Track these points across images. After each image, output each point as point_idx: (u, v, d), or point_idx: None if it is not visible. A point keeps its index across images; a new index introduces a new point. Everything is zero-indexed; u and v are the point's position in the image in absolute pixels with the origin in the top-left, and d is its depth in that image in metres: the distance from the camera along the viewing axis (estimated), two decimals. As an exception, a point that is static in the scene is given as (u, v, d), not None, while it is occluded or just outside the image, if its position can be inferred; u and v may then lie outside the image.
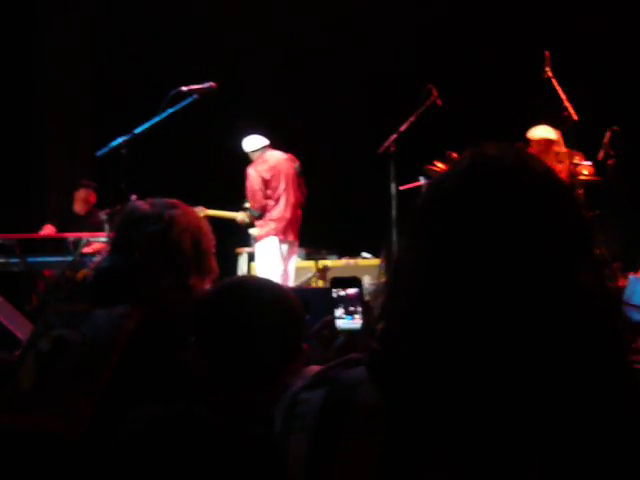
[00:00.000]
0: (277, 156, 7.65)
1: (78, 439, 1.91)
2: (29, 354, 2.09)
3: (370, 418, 1.12)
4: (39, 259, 7.43)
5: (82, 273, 7.68)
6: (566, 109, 6.66)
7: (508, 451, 1.04)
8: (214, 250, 2.33)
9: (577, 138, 6.82)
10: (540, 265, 1.08)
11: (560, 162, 6.75)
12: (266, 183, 7.50)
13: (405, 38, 9.34)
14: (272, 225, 7.49)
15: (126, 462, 1.62)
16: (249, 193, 7.55)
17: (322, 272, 8.18)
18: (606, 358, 1.08)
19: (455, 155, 6.94)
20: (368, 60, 9.43)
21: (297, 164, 7.79)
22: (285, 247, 7.55)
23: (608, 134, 6.74)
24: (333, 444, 1.14)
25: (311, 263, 8.46)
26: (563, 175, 6.52)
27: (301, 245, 8.13)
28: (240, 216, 7.72)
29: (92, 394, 1.94)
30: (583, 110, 6.72)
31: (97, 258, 7.09)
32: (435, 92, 7.02)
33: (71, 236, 7.76)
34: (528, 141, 6.84)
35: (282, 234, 7.52)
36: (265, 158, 7.61)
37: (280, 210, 7.53)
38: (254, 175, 7.50)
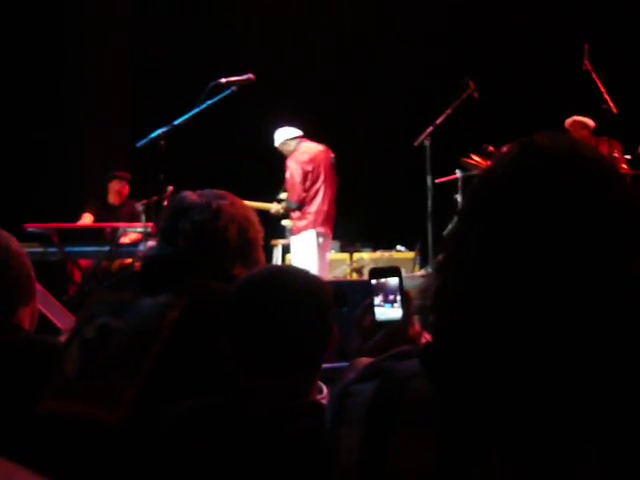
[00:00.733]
0: (315, 147, 7.56)
1: (119, 427, 1.93)
2: (75, 341, 2.11)
3: (423, 411, 1.12)
4: (76, 249, 7.47)
5: (117, 263, 7.74)
6: (605, 102, 6.60)
7: (563, 443, 1.03)
8: (261, 242, 2.33)
9: (616, 131, 6.76)
10: (592, 251, 1.07)
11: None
12: (306, 175, 7.41)
13: (443, 30, 9.29)
14: (310, 218, 7.43)
15: (170, 452, 1.63)
16: (289, 185, 7.47)
17: (358, 269, 8.16)
18: None
19: (492, 148, 6.91)
20: (404, 52, 9.39)
21: (333, 156, 7.75)
22: (321, 240, 7.52)
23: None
24: (385, 437, 1.13)
25: (345, 256, 8.45)
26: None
27: (335, 238, 8.12)
28: (275, 207, 7.68)
29: (134, 382, 1.95)
30: (622, 103, 6.66)
31: (139, 248, 7.14)
32: (472, 85, 6.99)
33: (108, 226, 7.82)
34: (566, 132, 6.81)
35: (320, 227, 7.47)
36: (303, 150, 7.53)
37: (319, 203, 7.47)
38: (295, 167, 7.41)
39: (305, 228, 7.43)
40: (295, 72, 9.61)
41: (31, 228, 7.02)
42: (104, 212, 8.47)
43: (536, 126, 1.34)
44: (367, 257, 8.41)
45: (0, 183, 8.76)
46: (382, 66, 9.61)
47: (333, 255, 8.33)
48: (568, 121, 7.39)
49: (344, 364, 1.58)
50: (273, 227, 8.10)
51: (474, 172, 7.19)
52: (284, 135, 7.63)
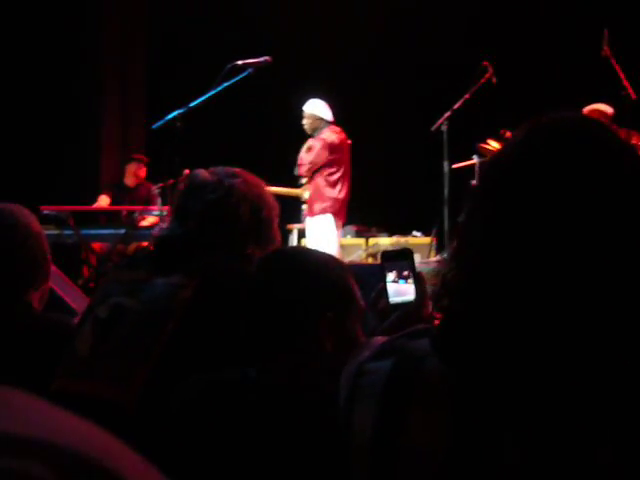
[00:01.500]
0: (342, 136, 7.50)
1: (131, 406, 1.93)
2: (88, 320, 2.10)
3: (438, 389, 1.11)
4: (92, 231, 7.49)
5: (134, 246, 7.76)
6: (625, 88, 6.55)
7: (578, 425, 1.02)
8: (277, 219, 2.30)
9: (636, 118, 6.71)
10: (601, 228, 1.06)
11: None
12: (332, 159, 7.39)
13: (462, 14, 9.24)
14: (328, 203, 7.39)
15: (182, 429, 1.63)
16: (304, 157, 7.42)
17: (373, 255, 8.14)
18: None
19: (509, 134, 6.88)
20: (422, 37, 9.35)
21: (350, 143, 7.72)
22: (335, 225, 7.50)
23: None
24: (400, 415, 1.13)
25: (361, 241, 8.44)
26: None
27: (351, 223, 8.10)
28: (306, 193, 7.65)
29: (146, 362, 1.95)
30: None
31: (155, 230, 7.14)
32: (490, 69, 6.95)
33: (124, 209, 7.83)
34: (576, 110, 6.76)
35: (335, 214, 7.44)
36: (333, 137, 7.45)
37: (337, 191, 7.43)
38: (320, 150, 7.33)
39: (323, 212, 7.40)
40: (313, 56, 9.58)
41: (47, 210, 7.03)
42: (120, 194, 8.50)
43: (554, 112, 1.32)
44: (383, 242, 8.39)
45: (17, 166, 8.79)
46: (400, 50, 9.56)
47: (349, 240, 8.31)
48: (586, 109, 7.32)
49: None
50: (289, 212, 8.09)
51: (491, 158, 7.15)
52: (320, 111, 7.46)
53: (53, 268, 4.32)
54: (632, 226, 1.06)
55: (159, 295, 2.02)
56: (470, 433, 1.07)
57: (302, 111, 7.50)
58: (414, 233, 8.61)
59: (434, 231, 8.14)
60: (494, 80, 6.96)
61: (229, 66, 5.06)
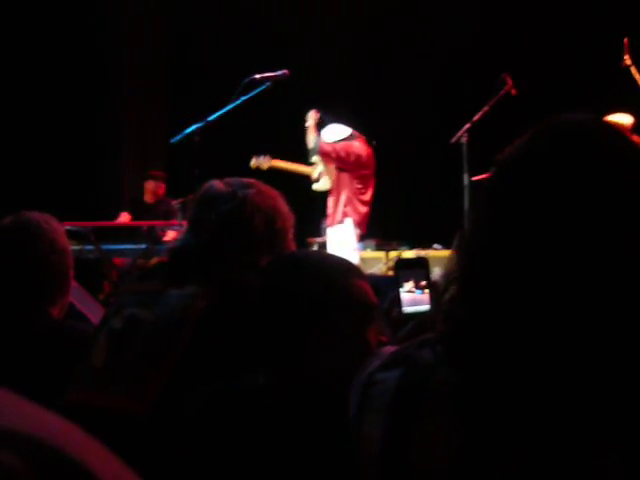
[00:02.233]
0: (367, 146, 7.47)
1: (146, 417, 1.92)
2: (102, 332, 2.11)
3: (448, 399, 1.10)
4: (113, 247, 7.52)
5: (155, 261, 7.77)
6: (646, 98, 6.51)
7: (589, 435, 1.00)
8: (291, 229, 2.29)
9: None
10: (602, 230, 1.04)
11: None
12: (363, 174, 7.35)
13: (481, 25, 9.23)
14: (355, 217, 7.39)
15: (194, 437, 1.62)
16: (341, 147, 7.26)
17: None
18: None
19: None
20: (441, 48, 9.34)
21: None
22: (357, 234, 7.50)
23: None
24: (410, 425, 1.12)
25: (381, 254, 8.42)
26: None
27: (372, 236, 8.09)
28: (315, 172, 7.61)
29: (160, 373, 1.95)
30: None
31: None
32: (510, 81, 6.92)
33: (144, 224, 7.86)
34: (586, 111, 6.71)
35: (357, 226, 7.44)
36: (362, 143, 7.43)
37: (363, 203, 7.44)
38: (358, 146, 7.33)
39: (342, 221, 7.39)
40: (332, 69, 9.60)
41: (69, 226, 7.06)
42: (141, 211, 8.53)
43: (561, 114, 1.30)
44: (404, 256, 8.36)
45: (39, 182, 8.84)
46: (419, 62, 9.56)
47: (369, 253, 8.29)
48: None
49: None
50: (310, 225, 8.09)
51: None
52: (335, 136, 7.48)
53: (74, 283, 4.33)
54: (632, 234, 1.04)
55: (173, 306, 2.02)
56: (479, 444, 1.05)
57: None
58: (435, 246, 8.57)
59: (455, 244, 8.10)
60: (513, 92, 6.93)
61: (247, 80, 5.08)
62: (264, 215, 2.20)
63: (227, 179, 2.28)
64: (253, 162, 7.73)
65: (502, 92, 6.92)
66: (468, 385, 1.08)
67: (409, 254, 8.38)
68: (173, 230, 7.62)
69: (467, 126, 6.89)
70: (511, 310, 1.05)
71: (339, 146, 7.26)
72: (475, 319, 1.09)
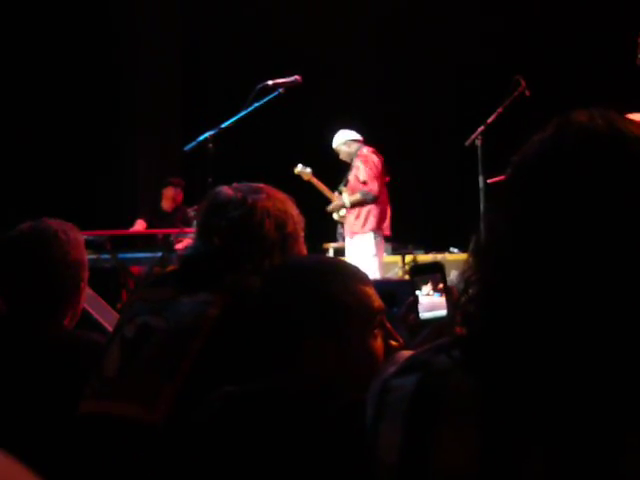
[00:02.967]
0: (377, 153, 7.59)
1: (158, 426, 1.92)
2: (115, 340, 2.10)
3: (465, 404, 1.08)
4: (129, 255, 7.54)
5: (171, 269, 7.77)
6: (661, 97, 6.46)
7: (612, 442, 0.98)
8: (302, 234, 2.26)
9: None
10: (629, 233, 1.02)
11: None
12: (380, 172, 7.43)
13: (494, 27, 9.21)
14: (373, 223, 7.44)
15: (208, 444, 1.61)
16: (368, 176, 7.43)
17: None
18: None
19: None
20: (455, 51, 9.33)
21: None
22: (379, 241, 7.53)
23: None
24: (427, 432, 1.10)
25: (397, 258, 8.41)
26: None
27: (387, 240, 8.09)
28: (337, 199, 7.68)
29: (173, 381, 1.94)
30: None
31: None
32: (523, 83, 6.89)
33: (160, 232, 7.87)
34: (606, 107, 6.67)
35: (380, 229, 7.49)
36: (371, 151, 7.54)
37: (381, 208, 7.49)
38: (371, 162, 7.42)
39: (366, 231, 7.42)
40: (345, 73, 9.60)
41: (84, 235, 7.08)
42: (157, 218, 8.54)
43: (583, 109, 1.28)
44: (420, 260, 8.35)
45: (54, 191, 8.88)
46: (433, 65, 9.55)
47: (385, 258, 8.29)
48: None
49: None
50: (325, 230, 8.08)
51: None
52: (347, 135, 7.61)
53: (90, 292, 4.33)
54: None
55: (185, 313, 2.01)
56: (499, 450, 1.04)
57: (334, 150, 7.60)
58: (451, 249, 8.56)
59: (471, 247, 8.07)
60: (527, 93, 6.90)
61: (259, 86, 5.08)
62: (274, 220, 2.19)
63: (236, 185, 2.27)
64: (297, 169, 7.79)
65: (516, 94, 6.89)
66: (487, 390, 1.06)
67: (425, 258, 8.36)
68: (189, 238, 7.63)
69: (481, 128, 6.87)
70: (536, 315, 1.03)
71: (371, 179, 7.35)
72: (497, 324, 1.07)
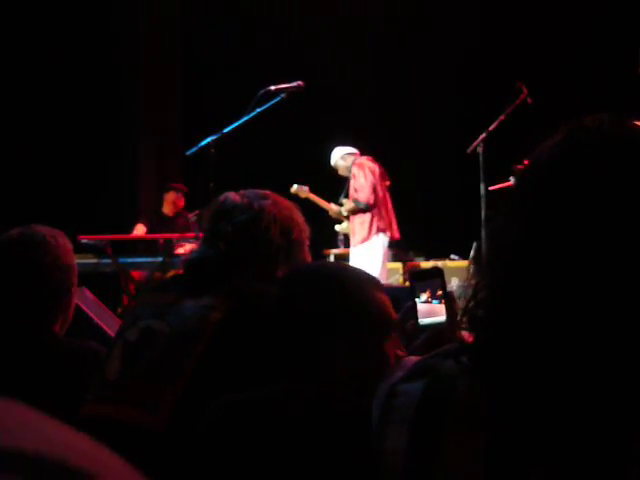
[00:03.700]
0: (373, 161, 7.65)
1: (160, 430, 1.91)
2: (117, 344, 2.10)
3: (472, 410, 1.07)
4: (130, 260, 7.53)
5: (171, 274, 7.77)
6: (662, 106, 6.46)
7: (620, 450, 0.98)
8: (307, 241, 2.28)
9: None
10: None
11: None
12: (375, 180, 7.48)
13: (496, 34, 9.22)
14: (379, 224, 7.49)
15: (211, 450, 1.61)
16: (358, 186, 7.49)
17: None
18: None
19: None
20: (456, 58, 9.34)
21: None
22: (386, 245, 7.57)
23: None
24: (434, 438, 1.10)
25: (398, 265, 8.41)
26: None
27: (394, 244, 8.11)
28: (335, 208, 7.73)
29: (176, 385, 1.94)
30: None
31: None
32: (525, 90, 6.90)
33: (161, 237, 7.86)
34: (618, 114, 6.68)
35: (387, 233, 7.53)
36: (367, 159, 7.61)
37: (382, 214, 7.53)
38: (365, 170, 7.47)
39: (372, 236, 7.46)
40: (347, 79, 9.60)
41: (85, 239, 7.09)
42: (158, 223, 8.53)
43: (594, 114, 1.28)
44: (420, 266, 8.35)
45: (55, 195, 8.88)
46: (434, 72, 9.55)
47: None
48: None
49: None
50: (325, 236, 8.08)
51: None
52: (343, 150, 7.72)
53: (91, 296, 4.32)
54: None
55: (189, 317, 2.01)
56: (506, 457, 1.03)
57: (333, 168, 7.67)
58: (452, 256, 8.55)
59: (472, 254, 8.08)
60: (529, 100, 6.90)
61: (262, 91, 5.07)
62: (280, 226, 2.20)
63: (242, 191, 2.29)
64: (293, 189, 7.83)
65: (518, 101, 6.89)
66: (494, 397, 1.06)
67: (426, 265, 8.36)
68: (190, 243, 7.62)
69: (483, 136, 6.87)
70: (547, 320, 1.02)
71: (369, 191, 7.44)
72: (507, 329, 1.06)
